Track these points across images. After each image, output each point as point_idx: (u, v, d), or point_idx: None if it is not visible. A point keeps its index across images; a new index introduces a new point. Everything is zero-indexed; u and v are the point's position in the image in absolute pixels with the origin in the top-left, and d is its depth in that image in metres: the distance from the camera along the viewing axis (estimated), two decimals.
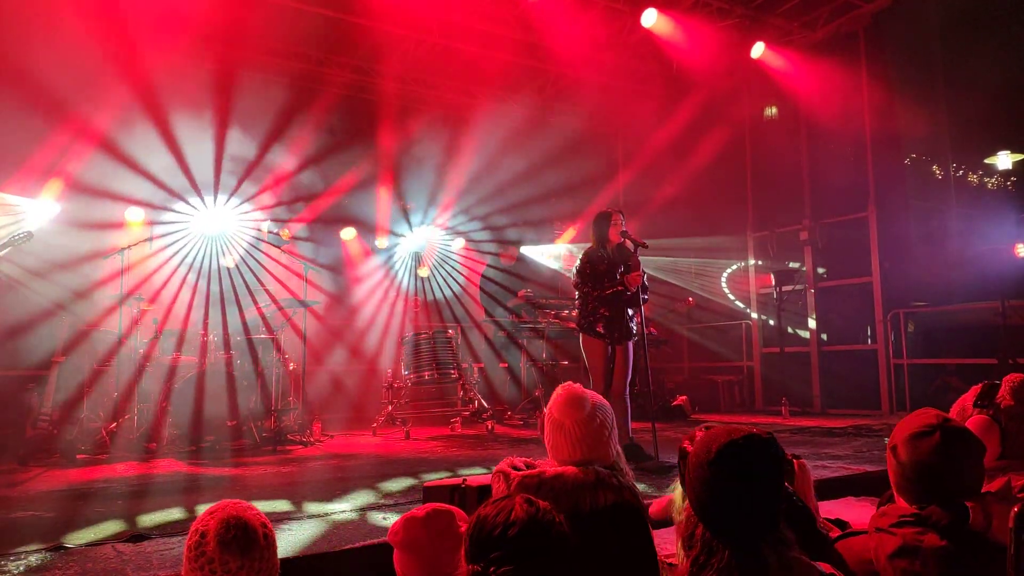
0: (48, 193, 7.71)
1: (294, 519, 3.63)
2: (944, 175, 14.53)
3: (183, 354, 7.22)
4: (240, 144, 9.06)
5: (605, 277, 5.39)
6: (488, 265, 11.34)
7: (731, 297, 11.38)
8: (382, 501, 4.09)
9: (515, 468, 2.21)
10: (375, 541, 3.03)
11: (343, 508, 3.88)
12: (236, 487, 4.81)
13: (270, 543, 1.81)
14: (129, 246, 6.96)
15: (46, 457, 6.13)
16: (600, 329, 5.37)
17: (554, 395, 2.26)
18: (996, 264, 7.79)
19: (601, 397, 2.28)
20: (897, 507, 1.96)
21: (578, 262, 5.54)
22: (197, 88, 8.56)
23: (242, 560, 1.74)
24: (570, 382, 2.29)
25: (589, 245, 5.62)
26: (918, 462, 1.92)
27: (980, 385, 2.29)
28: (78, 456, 6.20)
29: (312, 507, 3.93)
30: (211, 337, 7.20)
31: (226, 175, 9.13)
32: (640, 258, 5.41)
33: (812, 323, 10.20)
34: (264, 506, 3.98)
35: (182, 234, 9.10)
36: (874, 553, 1.91)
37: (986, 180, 16.48)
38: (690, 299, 10.77)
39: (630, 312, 5.44)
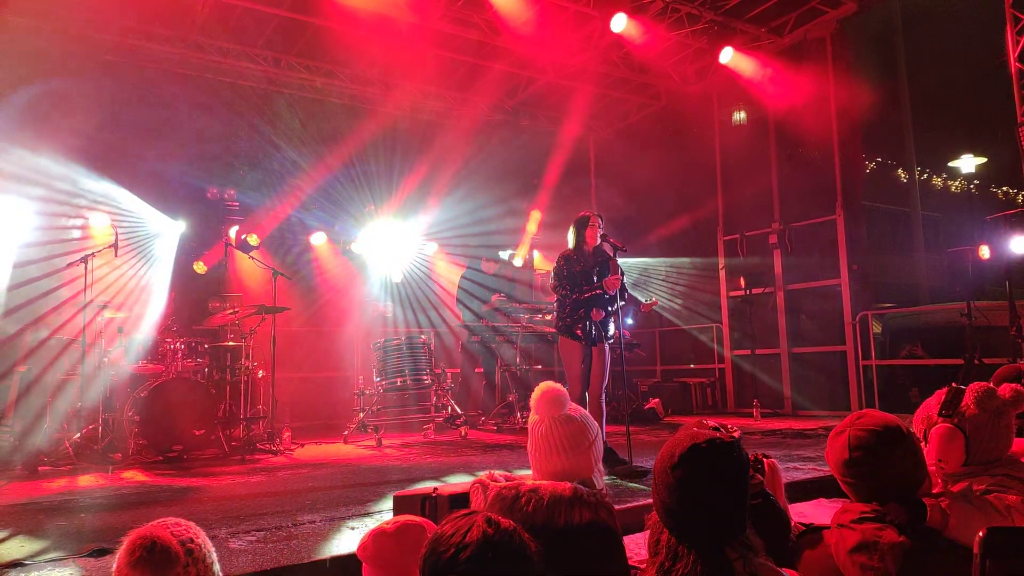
0: None
1: (260, 530, 3.56)
2: (909, 178, 14.82)
3: (149, 362, 7.09)
4: None
5: (581, 279, 5.35)
6: (468, 267, 11.23)
7: (701, 299, 11.44)
8: (351, 511, 4.03)
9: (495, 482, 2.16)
10: (343, 553, 2.99)
11: (311, 518, 3.82)
12: (202, 498, 4.71)
13: (196, 559, 1.74)
14: (93, 253, 6.78)
15: (7, 469, 5.98)
16: (579, 332, 5.34)
17: (534, 393, 2.20)
18: (961, 265, 7.91)
19: (581, 408, 2.23)
20: (858, 504, 2.01)
21: (555, 264, 5.52)
22: None
23: None
24: (550, 381, 2.23)
25: (566, 248, 5.57)
26: (836, 461, 2.05)
27: (944, 389, 2.28)
28: (40, 468, 6.04)
29: (279, 518, 3.87)
30: (178, 344, 7.07)
31: None
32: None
33: (781, 325, 10.30)
34: (229, 518, 3.91)
35: None
36: (834, 548, 1.96)
37: (950, 183, 16.84)
38: (654, 299, 10.80)
39: (609, 312, 5.41)
